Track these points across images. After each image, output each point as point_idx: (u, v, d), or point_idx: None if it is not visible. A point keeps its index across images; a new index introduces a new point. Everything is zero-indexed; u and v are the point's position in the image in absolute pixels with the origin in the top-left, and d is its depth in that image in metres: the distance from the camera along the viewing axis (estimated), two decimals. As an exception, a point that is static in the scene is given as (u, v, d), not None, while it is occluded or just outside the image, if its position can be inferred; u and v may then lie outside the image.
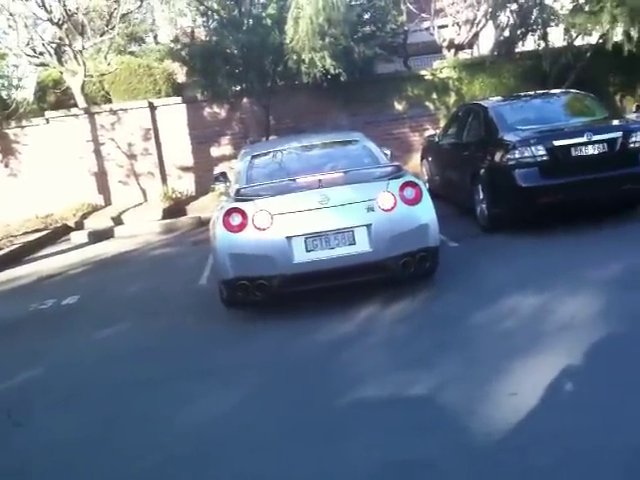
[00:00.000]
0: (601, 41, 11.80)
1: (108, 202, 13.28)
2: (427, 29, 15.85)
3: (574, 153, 6.96)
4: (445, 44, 15.12)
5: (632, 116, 10.17)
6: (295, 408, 3.90)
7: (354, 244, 5.34)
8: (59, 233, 11.50)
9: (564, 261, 6.06)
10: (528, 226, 7.17)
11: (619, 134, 7.09)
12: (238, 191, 5.68)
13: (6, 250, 10.12)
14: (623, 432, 3.15)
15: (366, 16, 12.95)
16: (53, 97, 15.54)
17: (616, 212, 7.33)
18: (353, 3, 12.50)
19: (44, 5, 13.23)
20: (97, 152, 13.28)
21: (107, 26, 15.34)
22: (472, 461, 3.07)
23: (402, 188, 5.51)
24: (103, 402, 4.33)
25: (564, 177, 6.89)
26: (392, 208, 5.41)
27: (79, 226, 11.85)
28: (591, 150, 6.96)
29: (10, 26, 13.50)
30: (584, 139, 6.95)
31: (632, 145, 7.06)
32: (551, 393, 3.59)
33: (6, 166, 13.35)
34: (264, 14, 11.86)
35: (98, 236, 10.93)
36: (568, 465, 2.94)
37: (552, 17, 12.50)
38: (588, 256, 6.11)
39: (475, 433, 3.30)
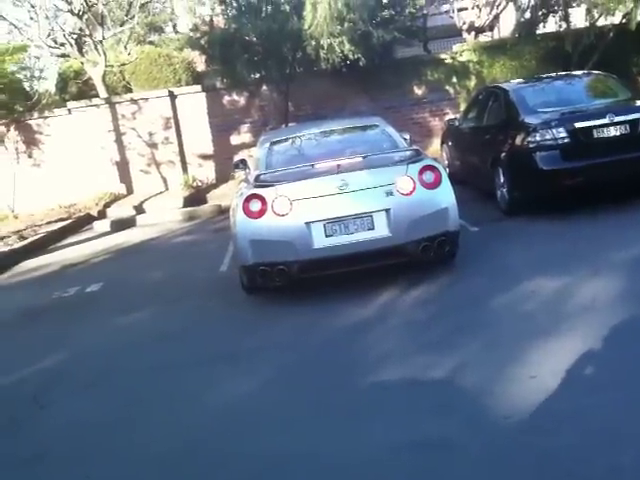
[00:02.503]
0: (624, 21, 11.58)
1: (130, 191, 13.40)
2: (447, 12, 15.70)
3: (596, 135, 6.86)
4: (465, 27, 14.94)
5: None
6: (318, 389, 3.95)
7: (373, 229, 5.34)
8: (82, 222, 11.66)
9: (585, 244, 6.01)
10: (549, 210, 7.10)
11: (642, 115, 6.97)
12: (257, 177, 5.70)
13: (31, 239, 10.28)
14: (644, 413, 3.14)
15: (384, 0, 12.81)
16: (75, 88, 15.65)
17: (639, 194, 7.22)
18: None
19: (64, -4, 13.34)
20: (118, 141, 13.40)
21: (127, 16, 15.44)
22: (491, 441, 3.09)
23: (421, 172, 5.48)
24: (128, 386, 4.41)
25: (586, 159, 6.80)
26: (411, 192, 5.40)
27: (102, 215, 12.02)
28: (613, 132, 6.86)
29: (32, 18, 13.62)
30: (606, 120, 6.85)
31: (655, 126, 6.94)
32: (571, 375, 3.58)
33: (29, 156, 13.52)
34: (282, 0, 11.82)
35: (120, 224, 11.08)
36: (587, 446, 2.94)
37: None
38: (610, 239, 6.05)
39: (494, 414, 3.31)
